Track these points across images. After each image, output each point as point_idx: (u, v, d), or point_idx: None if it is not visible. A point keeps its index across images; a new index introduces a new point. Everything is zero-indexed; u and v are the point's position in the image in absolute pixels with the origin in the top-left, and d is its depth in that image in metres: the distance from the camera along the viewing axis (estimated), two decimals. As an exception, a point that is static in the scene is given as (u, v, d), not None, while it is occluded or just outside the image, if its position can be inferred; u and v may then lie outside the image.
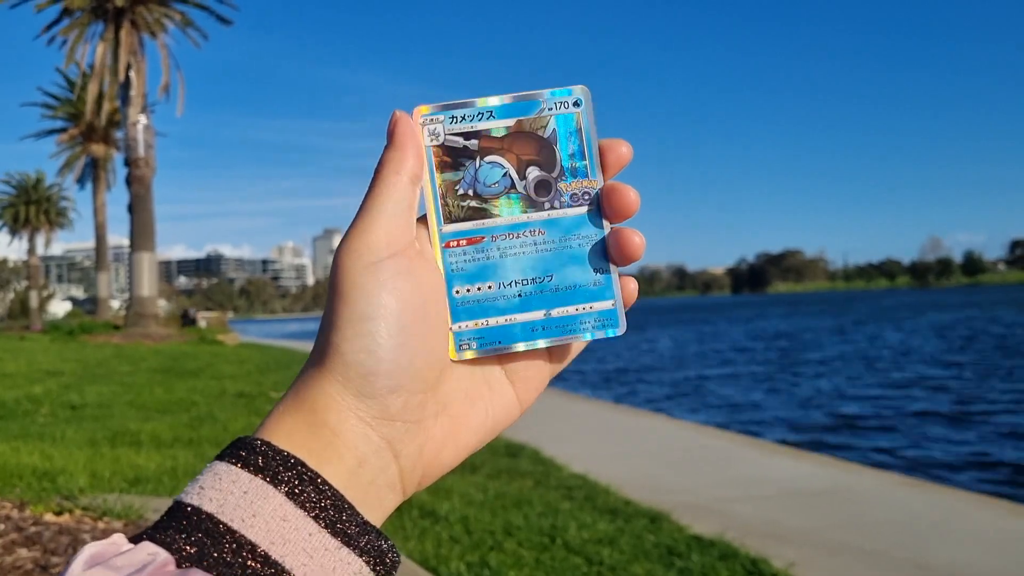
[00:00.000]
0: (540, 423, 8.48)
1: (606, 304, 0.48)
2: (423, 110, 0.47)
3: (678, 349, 27.17)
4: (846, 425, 10.72)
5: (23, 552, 2.74)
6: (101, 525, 3.18)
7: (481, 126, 0.48)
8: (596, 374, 18.63)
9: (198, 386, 10.94)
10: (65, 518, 3.24)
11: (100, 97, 25.60)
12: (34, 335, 25.57)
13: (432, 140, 0.47)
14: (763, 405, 13.02)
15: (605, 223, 0.47)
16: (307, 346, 26.27)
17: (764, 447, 8.19)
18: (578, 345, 0.50)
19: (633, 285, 0.49)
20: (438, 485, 5.04)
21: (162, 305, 32.55)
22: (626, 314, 0.49)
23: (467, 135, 0.47)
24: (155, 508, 3.79)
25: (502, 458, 6.55)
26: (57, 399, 9.25)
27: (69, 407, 8.71)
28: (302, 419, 0.42)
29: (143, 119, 24.80)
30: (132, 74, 24.62)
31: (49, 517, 3.22)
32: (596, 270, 0.48)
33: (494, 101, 0.48)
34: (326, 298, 0.44)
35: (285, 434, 0.42)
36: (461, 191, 0.47)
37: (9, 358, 14.90)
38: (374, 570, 0.40)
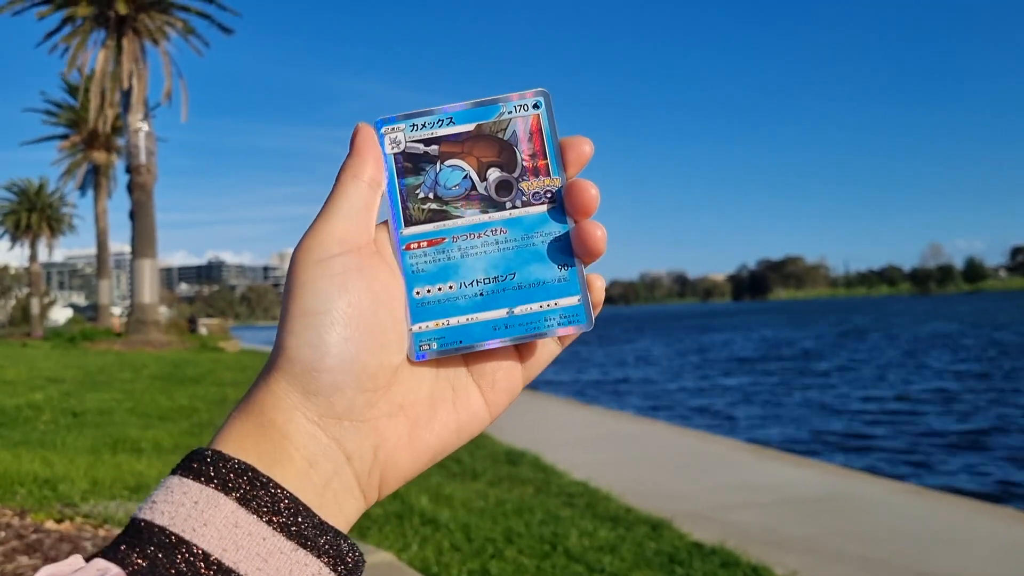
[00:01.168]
0: (540, 430, 8.47)
1: (572, 300, 0.47)
2: (384, 118, 0.48)
3: (676, 367, 27.09)
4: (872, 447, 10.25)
5: (24, 559, 2.73)
6: (102, 532, 3.18)
7: (441, 132, 0.48)
8: (596, 385, 18.60)
9: (199, 393, 10.93)
10: (66, 525, 3.23)
11: (102, 104, 25.64)
12: (35, 342, 25.57)
13: (393, 148, 0.48)
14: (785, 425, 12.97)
15: (568, 220, 0.47)
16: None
17: (764, 453, 8.18)
18: (550, 349, 0.49)
19: (600, 283, 0.48)
20: (438, 492, 5.03)
21: (163, 312, 32.53)
22: (594, 314, 0.48)
23: (427, 141, 0.48)
24: (156, 515, 3.78)
25: (503, 465, 6.54)
26: (58, 406, 9.24)
27: (70, 414, 8.70)
28: (252, 422, 0.42)
29: (145, 126, 24.84)
30: (134, 81, 24.66)
31: (50, 524, 3.21)
32: (560, 266, 0.47)
33: (454, 107, 0.48)
34: None
35: (236, 439, 0.41)
36: (422, 195, 0.48)
37: (10, 365, 14.89)
38: (334, 570, 0.40)
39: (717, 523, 5.01)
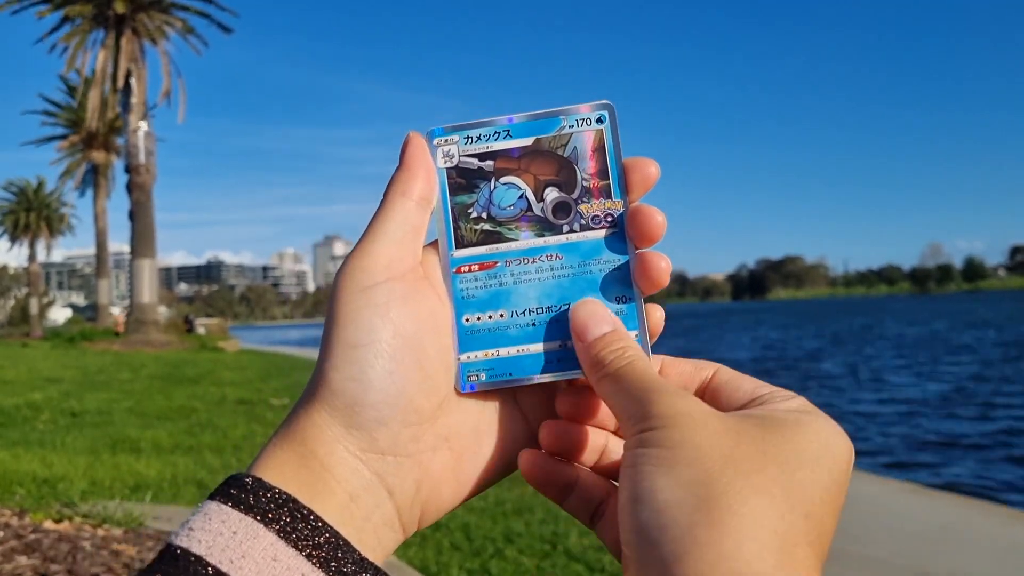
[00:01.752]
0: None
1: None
2: (437, 129, 0.46)
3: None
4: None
5: (22, 559, 2.73)
6: (101, 532, 3.17)
7: (497, 146, 0.45)
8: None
9: (198, 393, 10.92)
10: (65, 525, 3.23)
11: (101, 104, 25.64)
12: (35, 342, 25.57)
13: (446, 162, 0.45)
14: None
15: (629, 247, 0.44)
16: (307, 352, 26.28)
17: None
18: None
19: (660, 313, 0.45)
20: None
21: (163, 312, 32.56)
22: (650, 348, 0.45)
23: (482, 156, 0.45)
24: (155, 515, 3.78)
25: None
26: (57, 406, 9.24)
27: (69, 414, 8.70)
28: (292, 451, 0.40)
29: (144, 126, 24.83)
30: (133, 81, 24.66)
31: (49, 524, 3.21)
32: (618, 297, 0.44)
33: (511, 119, 0.46)
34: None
35: (276, 468, 0.40)
36: (475, 214, 0.45)
37: (9, 365, 14.89)
38: None
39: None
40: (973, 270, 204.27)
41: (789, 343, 32.07)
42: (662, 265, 0.43)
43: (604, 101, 0.45)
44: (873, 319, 51.36)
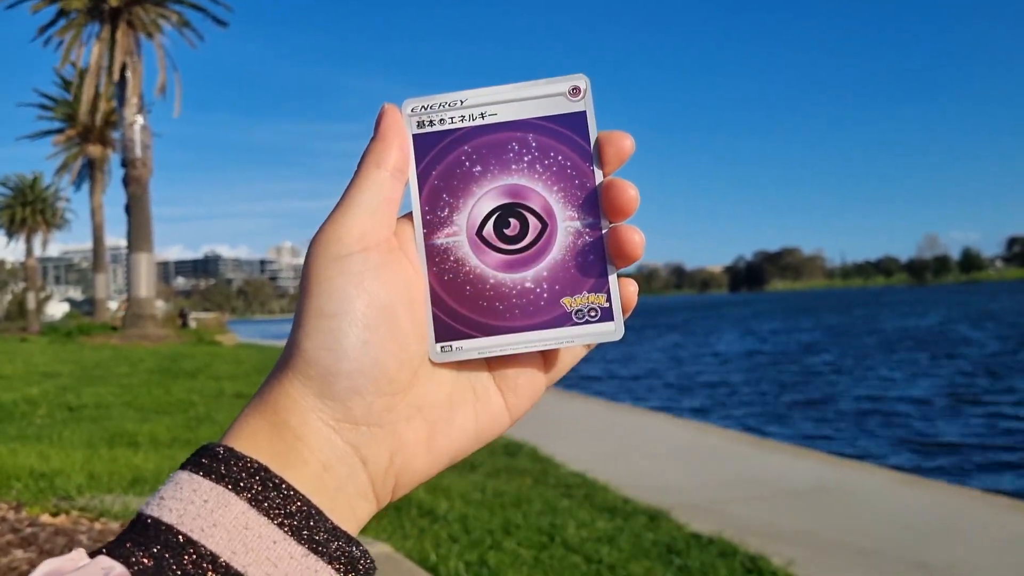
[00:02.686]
0: (538, 421, 8.48)
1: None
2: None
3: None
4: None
5: (19, 553, 2.73)
6: (98, 526, 3.17)
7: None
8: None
9: (196, 387, 10.92)
10: (62, 519, 3.22)
11: (96, 98, 25.55)
12: (32, 337, 25.54)
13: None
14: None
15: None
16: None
17: (762, 445, 8.19)
18: (574, 353, 0.47)
19: (633, 287, 0.45)
20: (436, 484, 5.03)
21: (160, 306, 32.51)
22: (624, 321, 0.45)
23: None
24: (152, 509, 3.77)
25: (500, 456, 6.54)
26: (55, 400, 9.23)
27: (67, 408, 8.69)
28: (265, 421, 0.40)
29: (140, 120, 24.76)
30: (128, 75, 24.57)
31: (45, 518, 3.20)
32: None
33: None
34: None
35: (248, 438, 0.40)
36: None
37: (6, 360, 14.87)
38: None
39: (715, 514, 5.01)
40: (970, 261, 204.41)
41: (786, 334, 32.09)
42: (635, 239, 0.44)
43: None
44: (871, 311, 51.41)
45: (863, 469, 6.93)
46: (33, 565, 2.62)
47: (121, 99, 24.91)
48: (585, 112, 0.45)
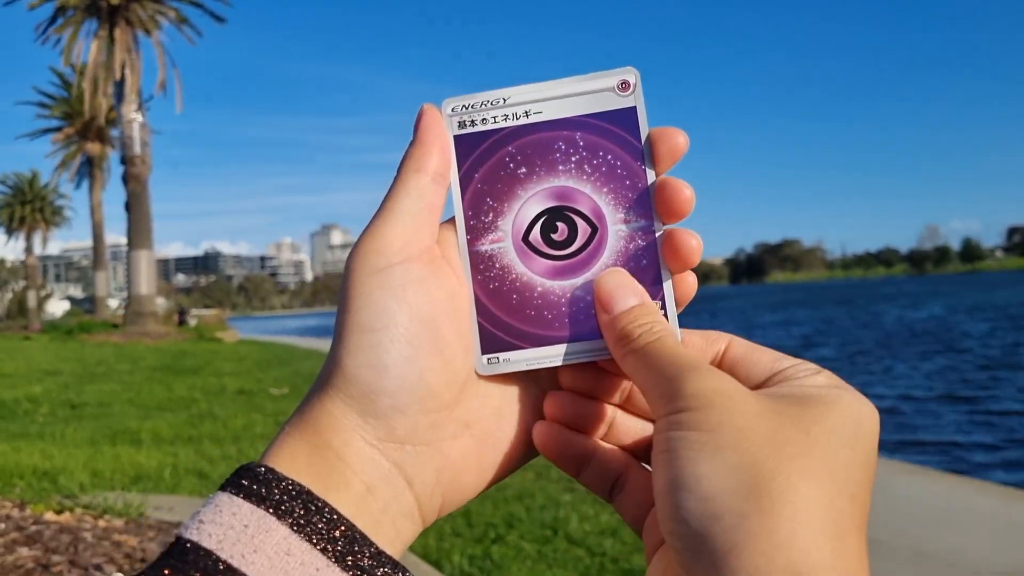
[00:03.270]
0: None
1: None
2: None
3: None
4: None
5: (24, 551, 2.73)
6: (102, 523, 3.18)
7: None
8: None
9: (198, 384, 10.93)
10: (65, 517, 3.23)
11: (95, 95, 25.55)
12: (33, 335, 25.57)
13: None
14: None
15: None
16: (306, 342, 26.25)
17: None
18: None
19: (692, 280, 0.43)
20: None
21: (160, 303, 32.52)
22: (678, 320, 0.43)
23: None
24: (155, 505, 3.79)
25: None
26: (57, 398, 9.25)
27: (69, 406, 8.71)
28: (306, 441, 0.38)
29: (139, 117, 24.75)
30: (127, 72, 24.56)
31: (49, 516, 3.21)
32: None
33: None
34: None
35: (288, 458, 0.38)
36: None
37: (8, 358, 14.89)
38: None
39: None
40: (971, 251, 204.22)
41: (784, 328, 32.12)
42: (692, 243, 0.41)
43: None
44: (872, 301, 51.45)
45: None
46: (38, 563, 2.63)
47: (120, 96, 24.90)
48: (635, 108, 0.43)
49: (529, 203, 0.43)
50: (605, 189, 0.43)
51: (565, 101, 0.43)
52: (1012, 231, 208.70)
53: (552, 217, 0.43)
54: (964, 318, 29.81)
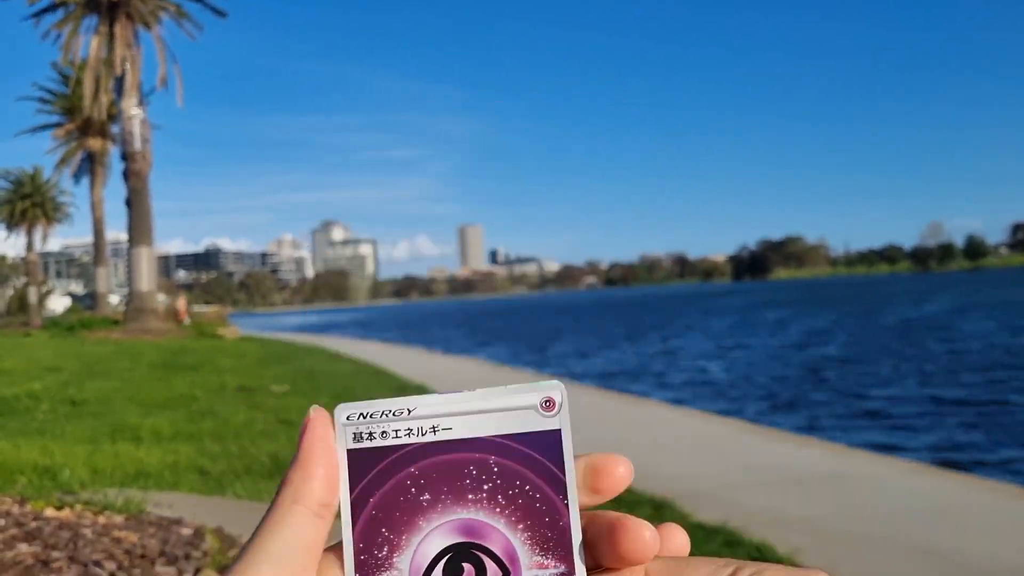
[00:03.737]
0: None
1: None
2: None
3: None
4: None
5: (24, 547, 2.72)
6: (102, 519, 3.16)
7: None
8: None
9: (198, 380, 10.93)
10: (66, 513, 3.22)
11: (96, 91, 25.53)
12: (34, 331, 25.59)
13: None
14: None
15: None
16: (307, 339, 26.18)
17: (766, 433, 8.18)
18: None
19: (683, 539, 0.36)
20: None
21: (161, 300, 32.50)
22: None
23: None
24: (155, 502, 3.78)
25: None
26: (57, 395, 9.25)
27: (69, 403, 8.70)
28: None
29: (139, 113, 24.74)
30: (127, 67, 24.54)
31: (50, 512, 3.20)
32: None
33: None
34: None
35: None
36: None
37: (8, 354, 14.89)
38: None
39: (720, 503, 5.01)
40: (974, 248, 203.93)
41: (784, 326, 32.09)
42: (646, 535, 0.34)
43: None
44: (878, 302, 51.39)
45: (868, 457, 6.93)
46: (38, 559, 2.61)
47: (120, 92, 24.88)
48: (560, 431, 0.37)
49: (431, 537, 0.37)
50: (521, 526, 0.37)
51: (479, 417, 0.37)
52: (1016, 228, 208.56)
53: (458, 556, 0.37)
54: (967, 316, 29.79)
